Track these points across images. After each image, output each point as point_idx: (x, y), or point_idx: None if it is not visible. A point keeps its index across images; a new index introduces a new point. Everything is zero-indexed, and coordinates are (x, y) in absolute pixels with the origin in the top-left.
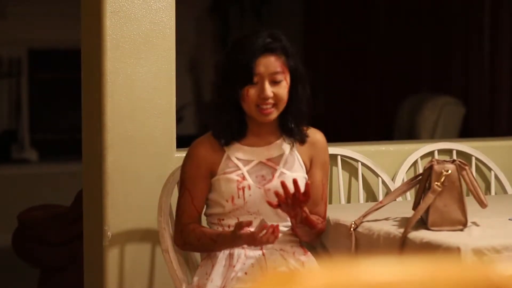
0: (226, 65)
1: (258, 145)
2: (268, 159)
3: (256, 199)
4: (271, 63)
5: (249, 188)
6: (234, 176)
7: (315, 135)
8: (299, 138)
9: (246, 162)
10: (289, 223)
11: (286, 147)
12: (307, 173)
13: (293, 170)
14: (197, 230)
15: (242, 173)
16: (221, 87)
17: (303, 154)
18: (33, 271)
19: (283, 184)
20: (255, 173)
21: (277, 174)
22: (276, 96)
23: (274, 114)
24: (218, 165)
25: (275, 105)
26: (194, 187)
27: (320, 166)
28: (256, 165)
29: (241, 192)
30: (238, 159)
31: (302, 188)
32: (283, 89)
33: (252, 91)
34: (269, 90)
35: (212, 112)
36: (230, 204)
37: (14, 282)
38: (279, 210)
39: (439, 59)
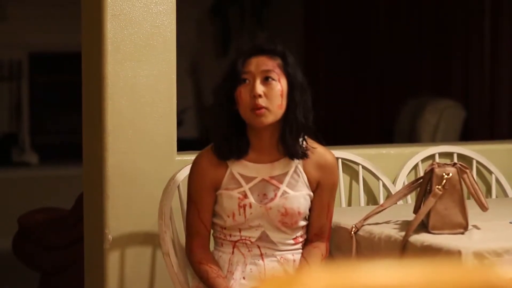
0: (223, 75)
1: (262, 162)
2: (272, 177)
3: (257, 216)
4: (263, 62)
5: (250, 206)
6: (235, 193)
7: (325, 156)
8: (297, 154)
9: (249, 179)
10: (291, 236)
11: (291, 165)
12: (313, 192)
13: (297, 189)
14: (202, 270)
15: (244, 191)
16: (218, 93)
17: (309, 174)
18: (34, 274)
19: None
20: (257, 191)
21: (279, 192)
22: (267, 96)
23: (268, 117)
24: (222, 179)
25: (267, 108)
26: (200, 200)
27: (328, 188)
28: (259, 182)
29: (242, 210)
30: (240, 175)
31: (302, 206)
32: (276, 91)
33: (243, 91)
34: (259, 87)
35: (213, 126)
36: (231, 220)
37: (14, 285)
38: (280, 224)
39: (439, 62)
